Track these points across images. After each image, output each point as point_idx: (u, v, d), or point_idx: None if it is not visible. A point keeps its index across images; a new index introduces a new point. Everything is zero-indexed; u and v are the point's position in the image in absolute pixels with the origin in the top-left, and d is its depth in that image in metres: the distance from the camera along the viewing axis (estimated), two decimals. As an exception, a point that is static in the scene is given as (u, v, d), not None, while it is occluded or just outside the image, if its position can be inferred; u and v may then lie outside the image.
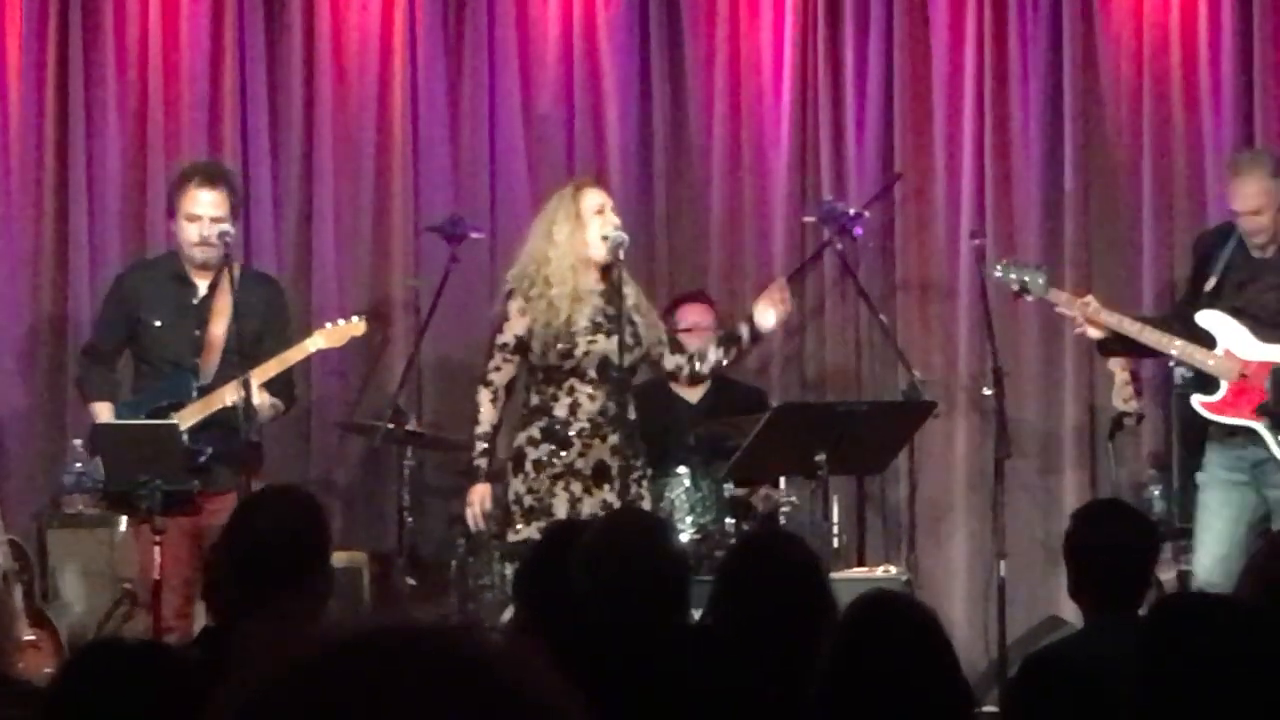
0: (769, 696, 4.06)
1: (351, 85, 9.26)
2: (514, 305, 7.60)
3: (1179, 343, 7.54)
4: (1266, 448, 7.47)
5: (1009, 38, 9.14)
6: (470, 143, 9.29)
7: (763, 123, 9.27)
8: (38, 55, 9.15)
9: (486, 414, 7.61)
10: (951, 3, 9.16)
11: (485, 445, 7.60)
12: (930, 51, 9.19)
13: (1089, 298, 7.79)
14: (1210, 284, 7.57)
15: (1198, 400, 7.59)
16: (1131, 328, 7.64)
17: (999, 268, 8.03)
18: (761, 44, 9.29)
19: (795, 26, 9.24)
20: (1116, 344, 7.76)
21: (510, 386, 7.66)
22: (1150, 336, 7.59)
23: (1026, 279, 7.87)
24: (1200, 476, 7.68)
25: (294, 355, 7.70)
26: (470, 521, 7.67)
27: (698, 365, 7.83)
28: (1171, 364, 8.47)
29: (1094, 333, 7.67)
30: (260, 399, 7.49)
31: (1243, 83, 9.01)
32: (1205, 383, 7.61)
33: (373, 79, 9.26)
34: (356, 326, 7.91)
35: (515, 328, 7.58)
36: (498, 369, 7.63)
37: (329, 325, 7.91)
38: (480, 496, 7.59)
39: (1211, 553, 7.48)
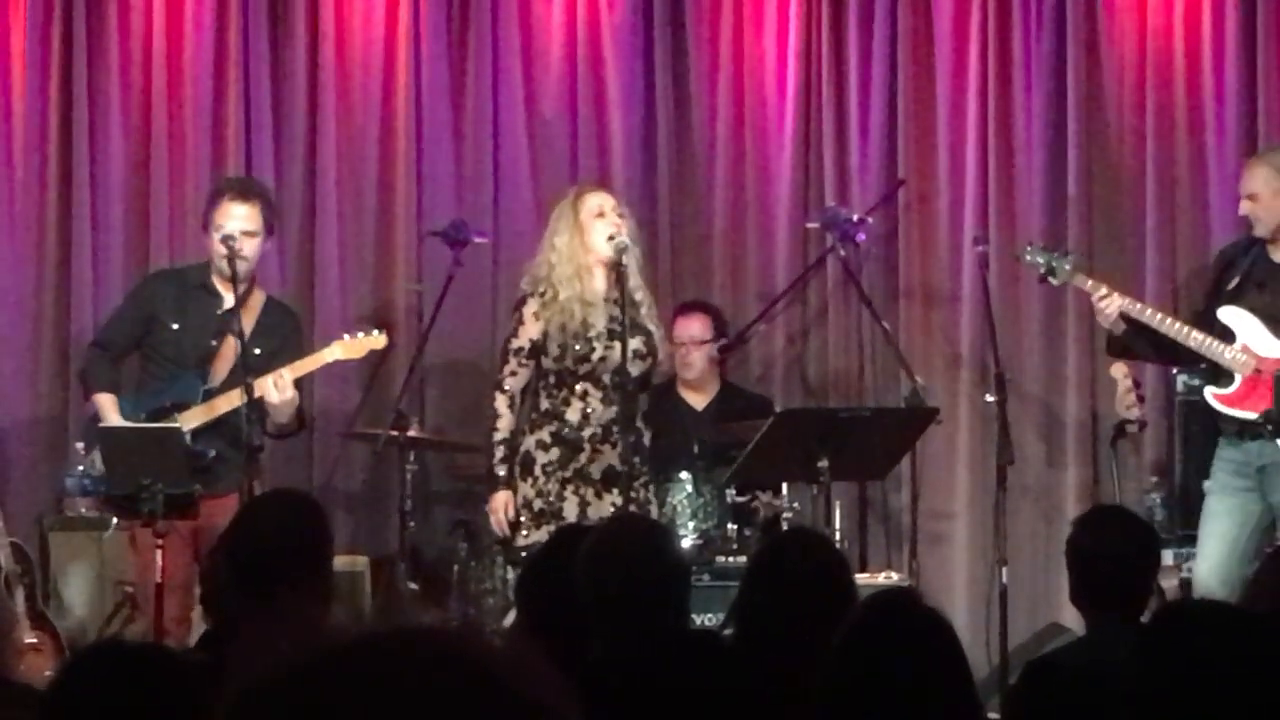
0: (772, 701, 4.06)
1: (355, 90, 9.26)
2: (528, 310, 7.62)
3: (1197, 334, 7.55)
4: (1278, 448, 7.48)
5: (1012, 44, 9.14)
6: (474, 148, 9.30)
7: (766, 128, 9.27)
8: (41, 59, 9.16)
9: (505, 420, 7.62)
10: (955, 9, 9.17)
11: (505, 451, 7.60)
12: (934, 58, 9.19)
13: (1114, 296, 7.76)
14: (1233, 284, 7.60)
15: (1210, 392, 7.59)
16: (1151, 316, 7.64)
17: (1027, 251, 8.01)
18: (765, 50, 9.29)
19: (799, 32, 9.24)
20: (1127, 340, 7.73)
21: (524, 391, 7.68)
22: (1169, 326, 7.58)
23: (1054, 264, 7.85)
24: (1207, 483, 7.69)
25: (310, 364, 7.72)
26: (496, 529, 7.65)
27: None
28: (1175, 371, 8.49)
29: (1120, 324, 7.63)
30: (291, 393, 7.51)
31: (1246, 86, 9.01)
32: (1218, 377, 7.61)
33: (376, 84, 9.27)
34: (377, 340, 7.90)
35: (530, 332, 7.59)
36: (513, 374, 7.64)
37: (347, 337, 7.90)
38: (503, 503, 7.58)
39: (1210, 560, 7.49)
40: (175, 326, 7.76)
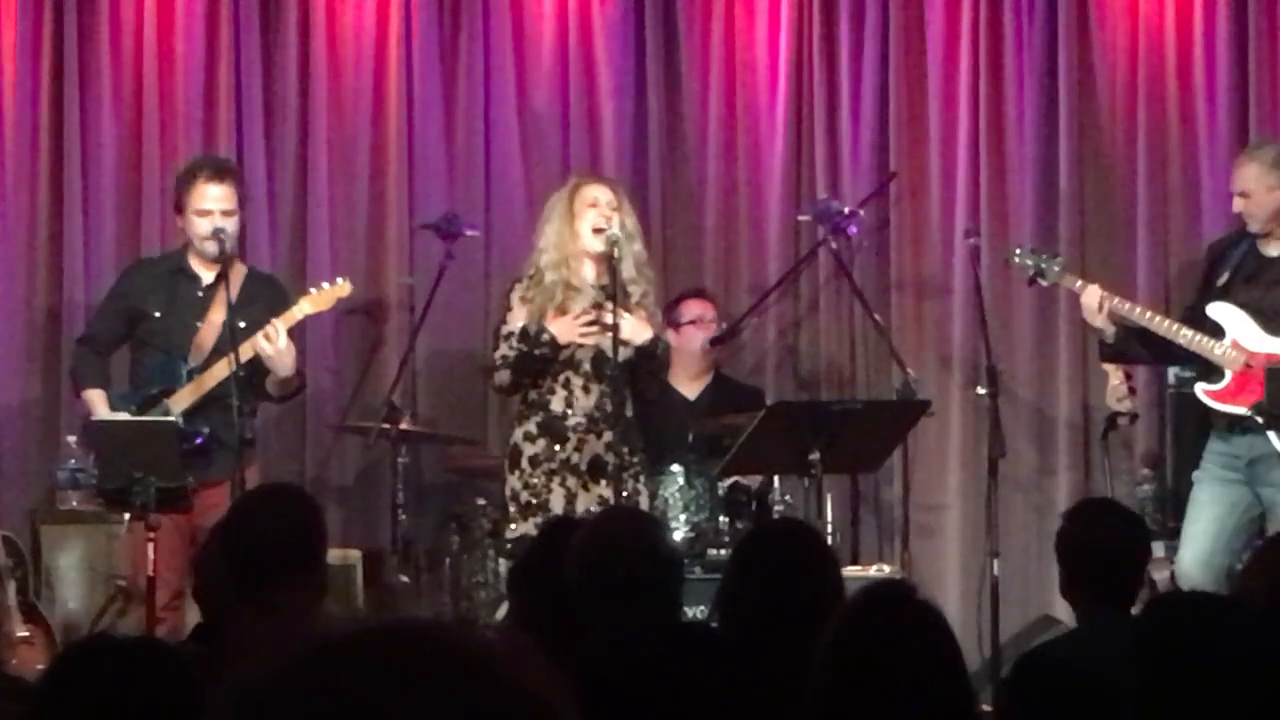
0: (763, 694, 4.07)
1: (347, 82, 9.26)
2: (515, 295, 7.67)
3: (1187, 331, 7.59)
4: (1268, 440, 7.50)
5: (1004, 36, 9.15)
6: (465, 141, 9.29)
7: (758, 121, 9.27)
8: (33, 51, 9.15)
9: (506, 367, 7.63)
10: (946, 2, 9.17)
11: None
12: (925, 50, 9.20)
13: (1096, 286, 7.82)
14: (1223, 279, 7.64)
15: (1201, 388, 7.62)
16: (1141, 315, 7.69)
17: (1016, 253, 8.09)
18: (757, 42, 9.29)
19: (791, 25, 9.24)
20: (1120, 345, 7.76)
21: None
22: (1159, 324, 7.63)
23: (1043, 265, 7.93)
24: (1196, 473, 7.71)
25: (284, 322, 7.68)
26: (572, 330, 7.55)
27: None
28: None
29: (1102, 323, 7.68)
30: (285, 343, 7.51)
31: (1237, 80, 9.02)
32: (1210, 373, 7.64)
33: (368, 76, 9.26)
34: (342, 288, 7.89)
35: (518, 317, 7.62)
36: (504, 357, 7.64)
37: (314, 290, 7.90)
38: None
39: (1194, 548, 7.51)
40: (159, 315, 7.76)
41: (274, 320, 7.55)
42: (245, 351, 7.49)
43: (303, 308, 7.76)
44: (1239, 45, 9.03)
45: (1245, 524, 7.55)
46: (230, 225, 7.69)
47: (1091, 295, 7.70)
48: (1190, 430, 8.15)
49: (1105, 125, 9.13)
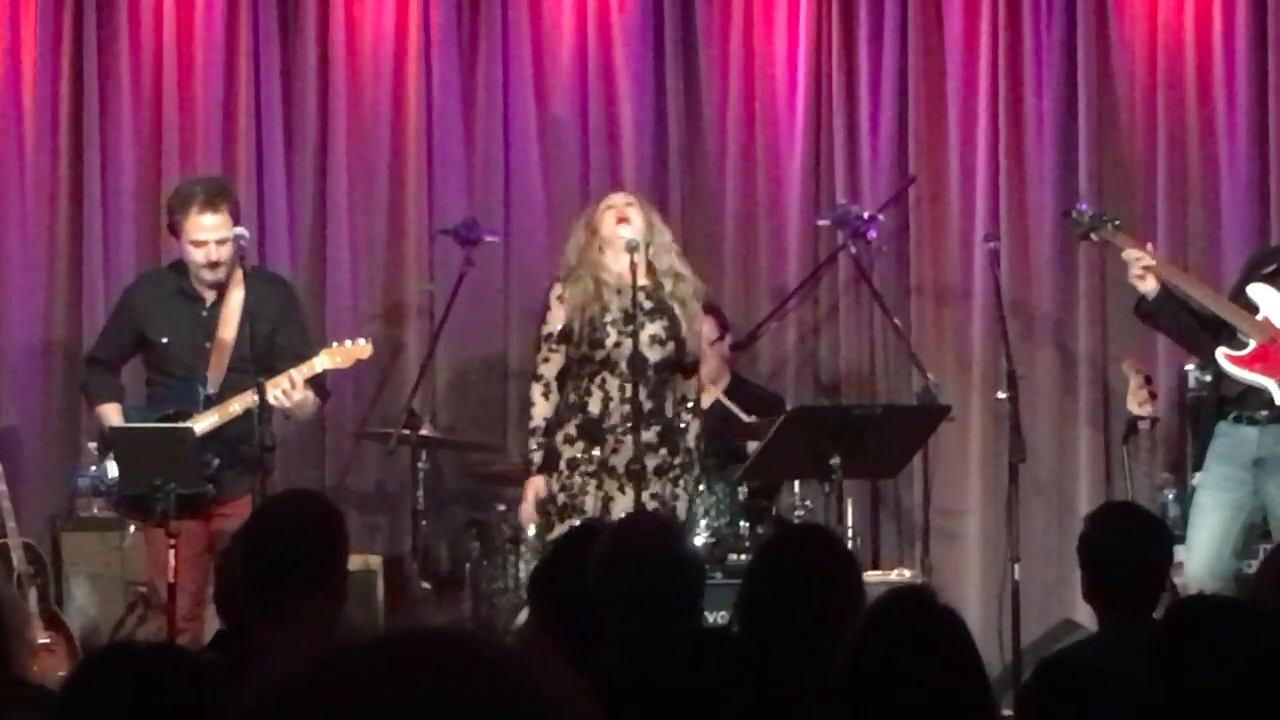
0: (783, 700, 4.06)
1: (366, 89, 9.27)
2: (554, 295, 7.59)
3: (1222, 300, 7.62)
4: (1275, 439, 7.50)
5: (1023, 41, 9.15)
6: (485, 147, 9.30)
7: (777, 126, 9.27)
8: (52, 60, 9.17)
9: (539, 409, 7.55)
10: (966, 7, 9.17)
11: (540, 440, 7.54)
12: (944, 55, 9.20)
13: (1150, 246, 7.85)
14: (1271, 268, 7.65)
15: (1222, 352, 7.61)
16: (1184, 280, 7.72)
17: (1074, 211, 8.11)
18: (776, 48, 9.29)
19: (810, 30, 9.25)
20: (1156, 305, 7.74)
21: (562, 378, 7.60)
22: (1200, 291, 7.67)
23: (1098, 223, 7.97)
24: (1199, 476, 7.69)
25: (301, 373, 7.63)
26: (523, 516, 7.62)
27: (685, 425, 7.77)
28: (1187, 368, 8.50)
29: (1149, 284, 7.68)
30: (303, 395, 7.48)
31: (1257, 86, 9.02)
32: (1233, 340, 7.67)
33: (387, 82, 9.27)
34: (363, 349, 7.79)
35: (557, 317, 7.55)
36: (546, 360, 7.59)
37: (335, 345, 7.81)
38: (535, 490, 7.53)
39: (1202, 555, 7.49)
40: (165, 340, 7.69)
41: (290, 372, 7.47)
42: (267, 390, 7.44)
43: (322, 361, 7.64)
44: (1258, 47, 9.02)
45: (1250, 526, 7.54)
46: (224, 252, 7.58)
47: (1135, 252, 7.71)
48: (1211, 434, 8.13)
49: (1124, 128, 9.13)
